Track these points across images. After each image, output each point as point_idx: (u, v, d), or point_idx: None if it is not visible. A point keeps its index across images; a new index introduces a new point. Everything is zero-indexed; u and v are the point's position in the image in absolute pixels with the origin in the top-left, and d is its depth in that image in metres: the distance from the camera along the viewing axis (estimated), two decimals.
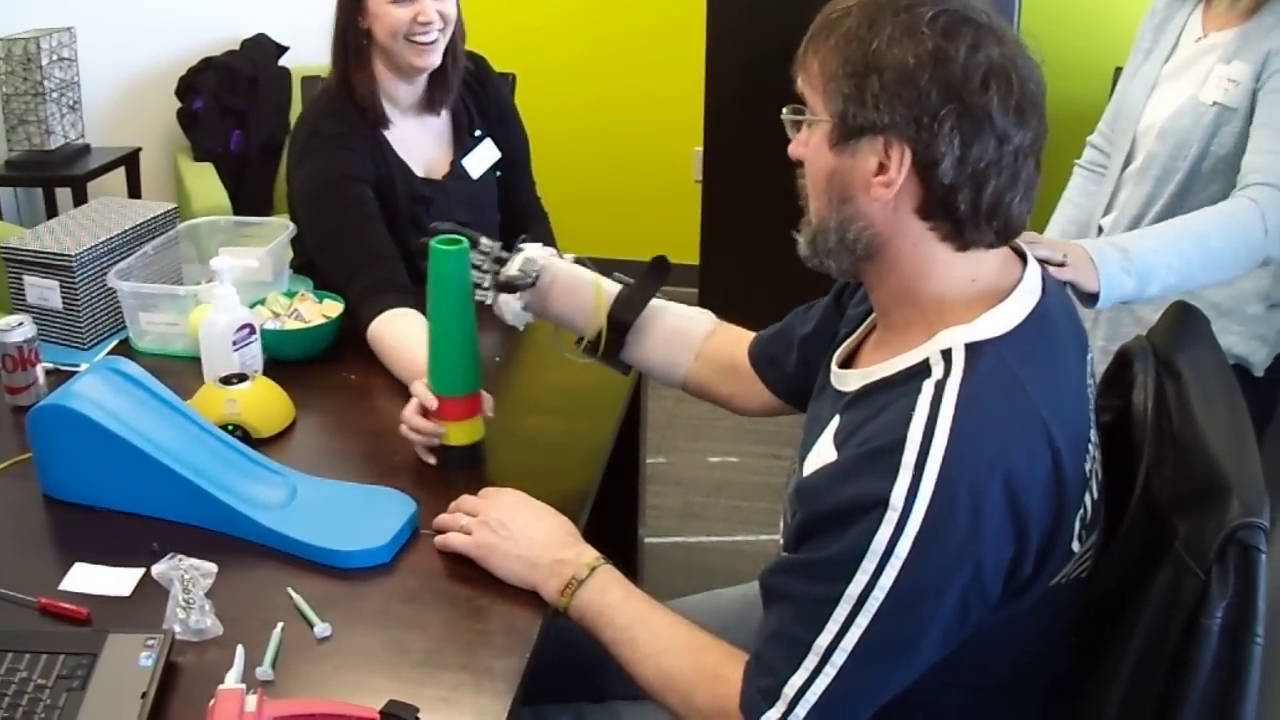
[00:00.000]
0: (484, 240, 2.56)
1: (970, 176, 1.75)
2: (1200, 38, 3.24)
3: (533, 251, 2.56)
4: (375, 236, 3.24)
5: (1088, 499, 1.86)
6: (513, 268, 2.53)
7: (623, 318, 2.52)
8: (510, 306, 2.53)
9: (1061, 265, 2.38)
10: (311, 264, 3.42)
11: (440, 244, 2.45)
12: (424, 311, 2.60)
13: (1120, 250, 2.49)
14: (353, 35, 3.37)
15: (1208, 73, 3.12)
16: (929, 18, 1.74)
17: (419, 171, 3.49)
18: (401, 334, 2.99)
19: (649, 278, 2.55)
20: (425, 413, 2.58)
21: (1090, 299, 2.45)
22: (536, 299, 2.55)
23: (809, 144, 1.88)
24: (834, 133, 1.83)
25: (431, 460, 2.62)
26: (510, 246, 2.59)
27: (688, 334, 2.56)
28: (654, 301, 2.54)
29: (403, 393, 2.72)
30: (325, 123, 3.38)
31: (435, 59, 3.38)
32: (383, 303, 3.08)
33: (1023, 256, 1.94)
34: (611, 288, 2.54)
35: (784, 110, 1.93)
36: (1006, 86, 1.72)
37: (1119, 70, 3.77)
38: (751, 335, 2.54)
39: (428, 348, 2.56)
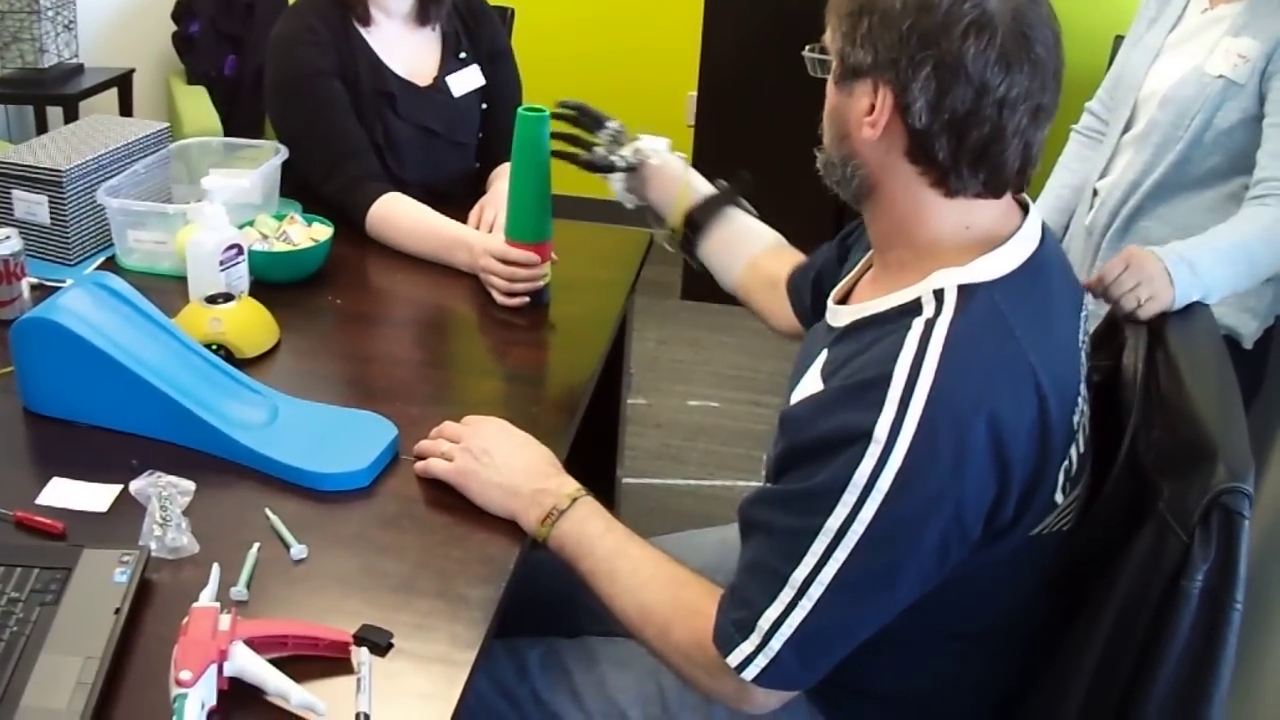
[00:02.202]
0: (611, 123, 2.90)
1: (948, 124, 1.77)
2: (1207, 9, 3.26)
3: (645, 143, 2.82)
4: (351, 132, 3.38)
5: (1073, 451, 1.87)
6: (616, 150, 2.82)
7: (695, 217, 2.73)
8: (615, 186, 2.84)
9: (1136, 316, 2.40)
10: (301, 189, 3.43)
11: (526, 111, 2.81)
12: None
13: (1189, 265, 2.51)
14: None
15: (1214, 44, 3.13)
16: None
17: (400, 72, 3.55)
18: (413, 210, 3.28)
19: (726, 190, 2.77)
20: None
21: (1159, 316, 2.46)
22: (638, 184, 2.82)
23: (828, 80, 1.92)
24: (836, 71, 1.87)
25: (512, 303, 2.95)
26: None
27: (744, 244, 2.72)
28: (733, 210, 2.74)
29: (390, 317, 2.85)
30: (296, 19, 3.47)
31: None
32: (373, 190, 3.28)
33: (1024, 207, 1.95)
34: (699, 191, 2.75)
35: (805, 48, 1.97)
36: (989, 38, 1.73)
37: (1119, 39, 3.78)
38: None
39: (508, 200, 2.93)
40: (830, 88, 1.91)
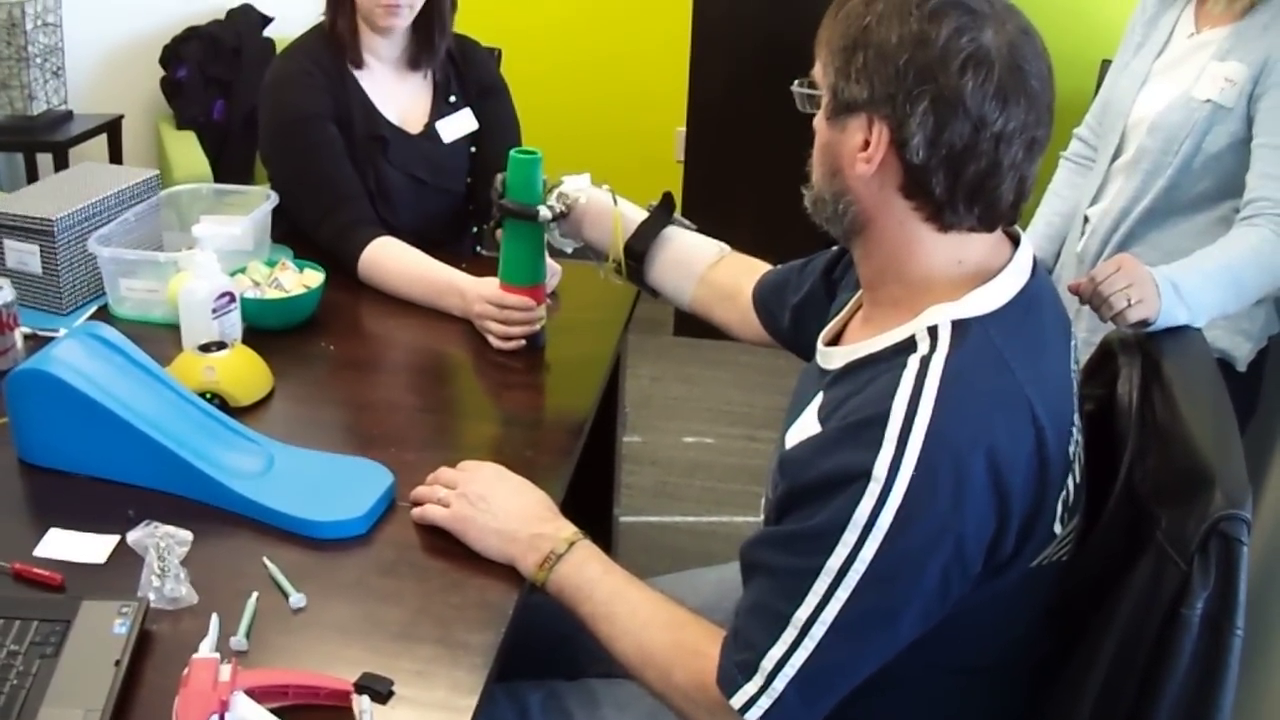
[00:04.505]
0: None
1: (945, 159, 1.77)
2: (1193, 33, 3.27)
3: (568, 185, 2.82)
4: (344, 176, 3.40)
5: (1070, 482, 1.87)
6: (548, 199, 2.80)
7: (635, 246, 2.72)
8: (551, 231, 2.83)
9: (1123, 314, 2.48)
10: (292, 235, 3.44)
11: (518, 154, 2.77)
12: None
13: (1173, 285, 2.54)
14: None
15: (1201, 69, 3.15)
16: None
17: (393, 119, 3.56)
18: (405, 255, 3.27)
19: (657, 212, 2.75)
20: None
21: (1141, 323, 2.50)
22: (572, 227, 2.82)
23: (817, 115, 1.92)
24: (828, 106, 1.87)
25: (508, 346, 2.95)
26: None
27: (691, 262, 2.71)
28: (670, 231, 2.74)
29: (384, 362, 2.85)
30: (292, 61, 3.50)
31: (400, 23, 3.48)
32: (365, 235, 3.28)
33: (1014, 239, 1.96)
34: (631, 220, 2.75)
35: (794, 83, 1.96)
36: (987, 73, 1.73)
37: (1106, 63, 3.79)
38: (761, 267, 2.65)
39: (502, 245, 2.90)
40: (820, 123, 1.91)
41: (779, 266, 2.60)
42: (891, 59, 1.75)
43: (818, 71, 1.90)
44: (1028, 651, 2.01)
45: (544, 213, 2.75)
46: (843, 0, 1.86)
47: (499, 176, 2.81)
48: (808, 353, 2.21)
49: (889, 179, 1.82)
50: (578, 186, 2.81)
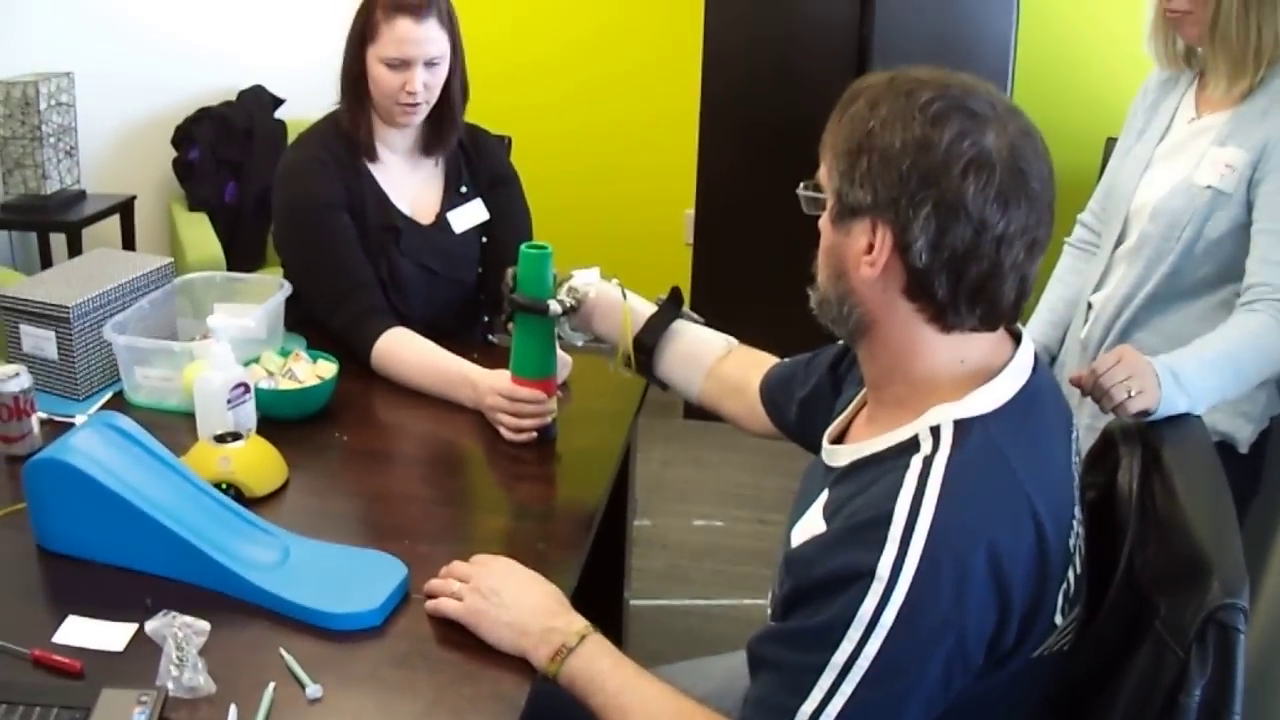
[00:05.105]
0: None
1: (947, 262, 1.79)
2: (1193, 119, 3.28)
3: (577, 279, 2.85)
4: (357, 266, 3.42)
5: (1070, 573, 1.88)
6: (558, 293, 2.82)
7: (644, 340, 2.76)
8: (561, 325, 2.87)
9: (1124, 406, 2.54)
10: (305, 322, 3.47)
11: (529, 248, 2.81)
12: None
13: (1173, 374, 2.59)
14: (353, 81, 3.50)
15: (1201, 155, 3.15)
16: (923, 103, 1.80)
17: (405, 209, 3.59)
18: (418, 346, 3.30)
19: (665, 306, 2.80)
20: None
21: (1142, 413, 2.54)
22: (582, 320, 2.85)
23: (823, 217, 1.94)
24: (833, 210, 1.89)
25: (520, 438, 2.97)
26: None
27: (699, 356, 2.75)
28: (679, 325, 2.79)
29: (397, 453, 2.87)
30: (306, 149, 3.56)
31: (415, 120, 3.53)
32: (378, 325, 3.31)
33: (1016, 336, 1.98)
34: (640, 314, 2.79)
35: (800, 186, 1.99)
36: (988, 176, 1.76)
37: (1111, 140, 3.80)
38: (768, 360, 2.68)
39: (513, 338, 2.93)
40: (826, 226, 1.93)
41: (785, 360, 2.63)
42: (895, 164, 1.78)
43: (823, 174, 1.93)
44: None
45: (554, 307, 2.78)
46: (847, 102, 1.89)
47: (509, 270, 2.83)
48: (813, 445, 2.23)
49: (892, 282, 1.84)
50: (587, 281, 2.84)
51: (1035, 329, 3.58)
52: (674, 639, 4.52)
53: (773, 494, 5.56)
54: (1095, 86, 6.11)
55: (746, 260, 5.93)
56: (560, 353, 3.06)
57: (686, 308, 2.81)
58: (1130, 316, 3.27)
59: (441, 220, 3.65)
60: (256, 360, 3.11)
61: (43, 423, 2.89)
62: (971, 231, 1.77)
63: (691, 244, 6.21)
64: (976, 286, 1.81)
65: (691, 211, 6.23)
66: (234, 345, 2.88)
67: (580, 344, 2.93)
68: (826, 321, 2.00)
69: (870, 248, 1.84)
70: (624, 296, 2.80)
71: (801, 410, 2.49)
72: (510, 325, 2.90)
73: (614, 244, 6.92)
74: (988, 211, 1.76)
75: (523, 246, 2.82)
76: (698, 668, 2.63)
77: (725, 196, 6.06)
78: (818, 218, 1.97)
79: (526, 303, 2.80)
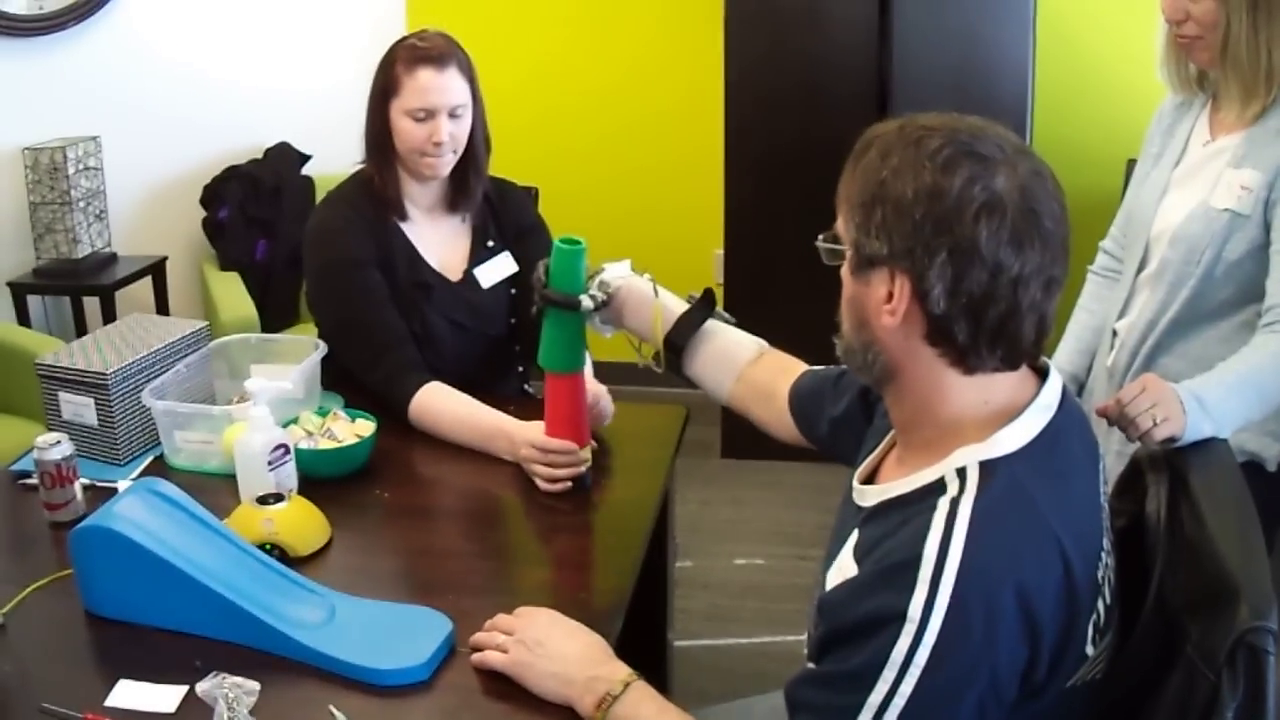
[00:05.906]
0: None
1: (965, 307, 1.82)
2: (1208, 141, 3.27)
3: (609, 273, 2.90)
4: (391, 322, 3.46)
5: (1100, 604, 1.90)
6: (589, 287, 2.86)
7: (675, 339, 2.78)
8: (591, 319, 2.88)
9: (1150, 434, 2.55)
10: (341, 380, 3.50)
11: (562, 243, 2.85)
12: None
13: (1197, 400, 2.61)
14: (378, 138, 3.54)
15: (1217, 177, 3.15)
16: (932, 150, 1.82)
17: (434, 265, 3.63)
18: (454, 400, 3.33)
19: (698, 306, 2.82)
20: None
21: (1169, 440, 2.55)
22: (613, 315, 2.89)
23: (843, 267, 1.97)
24: (852, 261, 1.92)
25: (555, 488, 2.99)
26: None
27: (731, 358, 2.79)
28: (711, 324, 2.81)
29: (437, 508, 2.92)
30: (335, 208, 3.60)
31: (443, 171, 3.57)
32: (414, 381, 3.33)
33: (1042, 371, 2.00)
34: (672, 312, 2.81)
35: (819, 238, 2.01)
36: (1000, 219, 1.78)
37: (1132, 162, 3.80)
38: (799, 367, 2.71)
39: (543, 331, 2.96)
40: (846, 276, 1.96)
41: (813, 370, 2.66)
42: (908, 213, 1.81)
43: (840, 226, 1.95)
44: None
45: (586, 302, 2.83)
46: (860, 153, 1.92)
47: (541, 263, 2.88)
48: (844, 459, 2.29)
49: (913, 329, 1.87)
50: (619, 274, 2.89)
51: (1062, 358, 3.58)
52: (719, 678, 4.52)
53: (812, 530, 5.55)
54: (1115, 107, 6.10)
55: (777, 299, 5.93)
56: (602, 403, 3.14)
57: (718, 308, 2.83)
58: (1155, 342, 3.28)
59: (469, 275, 3.68)
60: (295, 421, 3.14)
61: (85, 489, 2.92)
62: (987, 275, 1.79)
63: (721, 283, 6.21)
64: (996, 328, 1.83)
65: (720, 251, 6.22)
66: (272, 406, 2.91)
67: (609, 335, 2.95)
68: (852, 369, 2.03)
69: (890, 297, 1.86)
70: (655, 293, 2.83)
71: (833, 429, 2.53)
72: (540, 317, 2.93)
73: None
74: (1002, 254, 1.79)
75: (556, 241, 2.87)
76: (743, 708, 2.66)
77: (753, 235, 6.06)
78: (838, 268, 2.00)
79: (558, 298, 2.85)
